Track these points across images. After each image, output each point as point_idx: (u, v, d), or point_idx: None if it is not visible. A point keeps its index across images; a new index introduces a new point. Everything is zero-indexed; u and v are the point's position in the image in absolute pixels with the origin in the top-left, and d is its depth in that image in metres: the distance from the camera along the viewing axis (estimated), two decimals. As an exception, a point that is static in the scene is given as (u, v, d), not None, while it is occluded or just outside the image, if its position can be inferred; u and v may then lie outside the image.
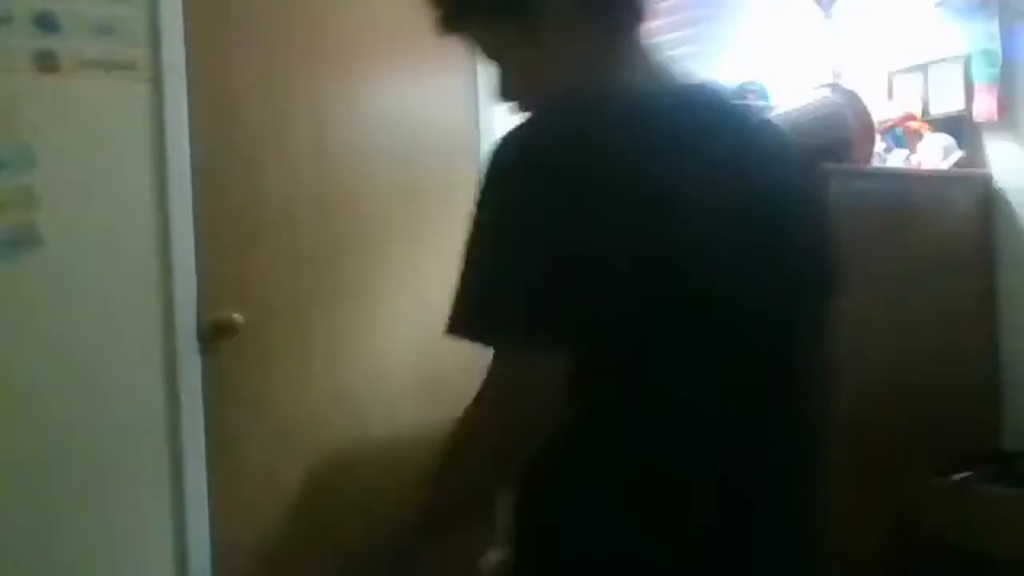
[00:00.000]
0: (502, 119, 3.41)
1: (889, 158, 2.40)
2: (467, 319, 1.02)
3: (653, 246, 0.99)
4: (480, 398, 1.03)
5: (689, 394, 1.03)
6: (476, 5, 1.17)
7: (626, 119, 1.05)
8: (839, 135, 2.14)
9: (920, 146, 2.39)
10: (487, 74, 1.26)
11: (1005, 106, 2.34)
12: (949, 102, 2.43)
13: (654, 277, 1.00)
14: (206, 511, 2.61)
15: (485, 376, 1.02)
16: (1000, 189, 2.36)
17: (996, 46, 2.34)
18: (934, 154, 2.35)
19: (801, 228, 1.16)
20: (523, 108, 1.18)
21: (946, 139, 2.37)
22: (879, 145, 2.35)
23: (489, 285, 1.01)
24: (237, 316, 2.60)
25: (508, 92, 1.20)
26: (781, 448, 1.10)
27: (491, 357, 1.02)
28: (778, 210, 1.11)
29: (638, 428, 1.02)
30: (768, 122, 1.26)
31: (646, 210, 0.99)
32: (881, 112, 2.41)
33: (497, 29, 1.16)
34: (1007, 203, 2.36)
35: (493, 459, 1.04)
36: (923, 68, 2.49)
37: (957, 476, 2.05)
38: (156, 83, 2.55)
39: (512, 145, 1.03)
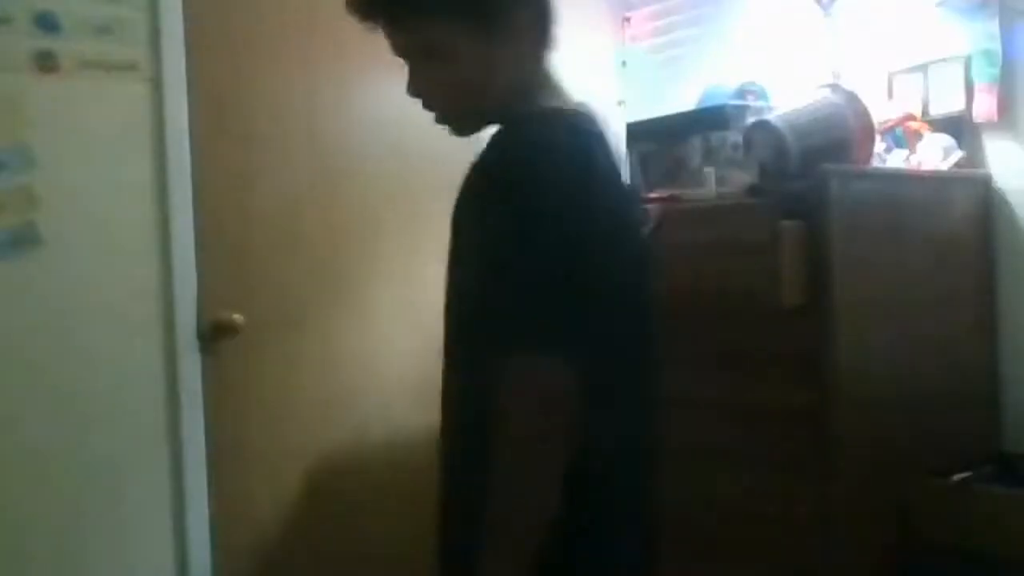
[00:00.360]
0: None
1: (889, 158, 2.40)
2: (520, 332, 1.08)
3: (617, 258, 1.18)
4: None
5: (631, 387, 1.22)
6: (429, 4, 1.19)
7: (594, 141, 1.18)
8: (839, 135, 2.14)
9: (920, 146, 2.39)
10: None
11: (1005, 106, 2.34)
12: (949, 102, 2.43)
13: (616, 283, 1.17)
14: (206, 511, 2.61)
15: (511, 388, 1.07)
16: (1000, 189, 2.36)
17: (996, 46, 2.34)
18: (934, 154, 2.35)
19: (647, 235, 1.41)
20: (441, 108, 1.25)
21: (946, 139, 2.37)
22: (879, 145, 2.35)
23: (528, 300, 1.08)
24: (237, 316, 2.60)
25: (420, 91, 1.24)
26: (661, 429, 1.30)
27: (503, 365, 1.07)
28: (641, 219, 1.37)
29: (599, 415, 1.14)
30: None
31: (614, 224, 1.18)
32: (881, 112, 2.40)
33: (437, 31, 1.18)
34: (1007, 203, 2.36)
35: (550, 471, 1.08)
36: (923, 68, 2.49)
37: (957, 476, 2.05)
38: (156, 83, 2.55)
39: (525, 161, 1.11)
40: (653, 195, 2.31)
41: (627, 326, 1.20)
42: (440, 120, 1.28)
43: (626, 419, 1.19)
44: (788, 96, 2.48)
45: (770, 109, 2.35)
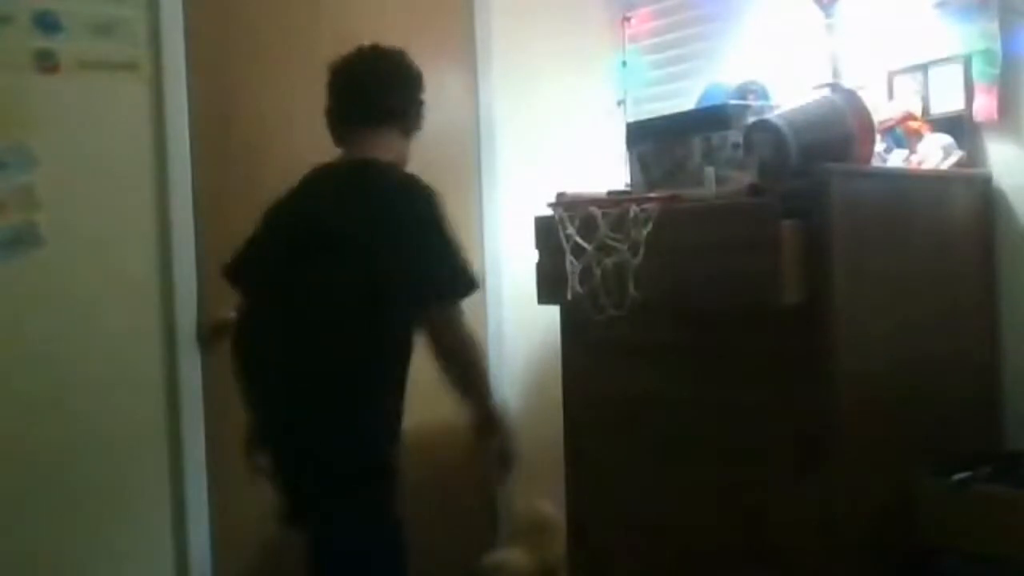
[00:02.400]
0: (502, 118, 3.41)
1: (889, 158, 2.40)
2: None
3: None
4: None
5: None
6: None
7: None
8: (839, 134, 2.14)
9: (920, 146, 2.39)
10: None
11: (1005, 106, 2.34)
12: (949, 102, 2.43)
13: None
14: (206, 510, 2.61)
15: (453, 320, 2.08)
16: (1000, 189, 2.36)
17: (996, 46, 2.33)
18: (934, 154, 2.35)
19: None
20: None
21: (946, 139, 2.37)
22: (879, 145, 2.34)
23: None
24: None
25: None
26: None
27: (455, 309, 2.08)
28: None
29: None
30: None
31: None
32: (881, 112, 2.40)
33: None
34: (1007, 203, 2.36)
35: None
36: (923, 68, 2.49)
37: (957, 476, 2.05)
38: (156, 83, 2.55)
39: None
40: (653, 195, 2.31)
41: None
42: None
43: None
44: (788, 96, 2.48)
45: (771, 108, 2.34)
